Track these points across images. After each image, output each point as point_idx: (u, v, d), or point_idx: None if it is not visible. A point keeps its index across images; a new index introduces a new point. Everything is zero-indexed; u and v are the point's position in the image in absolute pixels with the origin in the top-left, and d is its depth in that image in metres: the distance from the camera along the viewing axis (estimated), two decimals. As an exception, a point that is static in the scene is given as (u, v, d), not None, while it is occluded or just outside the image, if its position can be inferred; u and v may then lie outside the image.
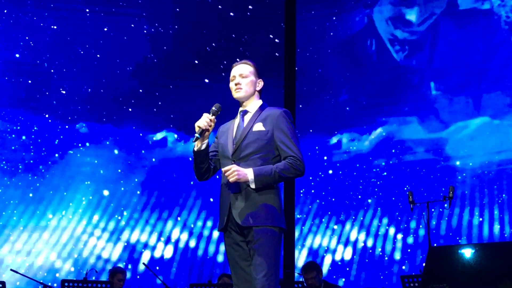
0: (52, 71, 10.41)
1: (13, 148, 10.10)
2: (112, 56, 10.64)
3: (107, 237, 10.31)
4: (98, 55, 10.60)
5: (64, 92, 10.42)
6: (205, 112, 3.87)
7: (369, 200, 9.69)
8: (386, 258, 9.36)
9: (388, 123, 9.88)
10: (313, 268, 7.82)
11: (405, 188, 9.20)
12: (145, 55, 10.96)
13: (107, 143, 10.47)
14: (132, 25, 10.83)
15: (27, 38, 10.41)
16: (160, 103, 10.84)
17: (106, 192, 10.42)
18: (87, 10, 10.68)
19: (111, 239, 10.33)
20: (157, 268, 9.90)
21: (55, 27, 10.47)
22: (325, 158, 10.26)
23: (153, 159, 10.67)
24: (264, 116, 3.96)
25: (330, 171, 10.15)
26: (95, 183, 10.32)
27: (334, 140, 10.23)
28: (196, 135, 3.84)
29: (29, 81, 10.34)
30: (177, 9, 11.10)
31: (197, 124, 3.85)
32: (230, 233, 3.88)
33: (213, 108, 3.90)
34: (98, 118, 10.49)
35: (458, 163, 9.28)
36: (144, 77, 10.90)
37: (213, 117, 3.87)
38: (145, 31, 10.89)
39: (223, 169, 3.81)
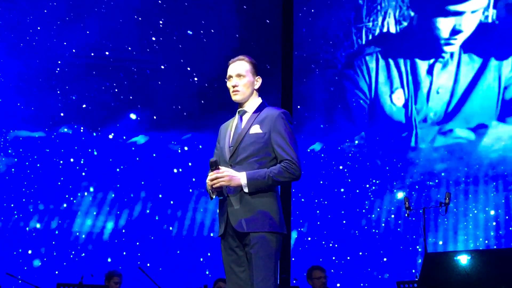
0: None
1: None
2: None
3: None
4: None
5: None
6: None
7: (366, 207, 9.69)
8: (382, 261, 9.34)
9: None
10: (322, 270, 7.92)
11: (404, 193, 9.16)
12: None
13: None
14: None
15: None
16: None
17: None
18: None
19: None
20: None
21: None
22: (321, 161, 10.24)
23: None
24: (263, 117, 3.87)
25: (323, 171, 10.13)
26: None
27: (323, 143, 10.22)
28: (219, 197, 3.79)
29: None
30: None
31: (212, 188, 3.75)
32: (227, 238, 3.83)
33: (211, 167, 3.74)
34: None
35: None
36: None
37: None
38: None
39: (217, 171, 3.74)
